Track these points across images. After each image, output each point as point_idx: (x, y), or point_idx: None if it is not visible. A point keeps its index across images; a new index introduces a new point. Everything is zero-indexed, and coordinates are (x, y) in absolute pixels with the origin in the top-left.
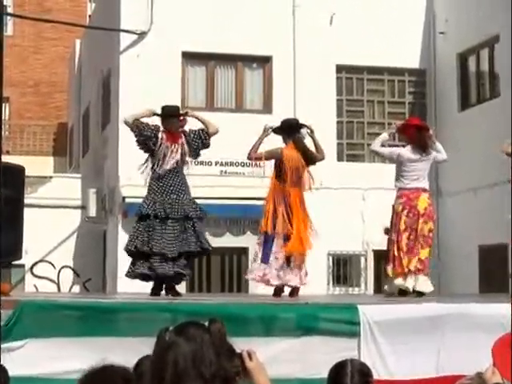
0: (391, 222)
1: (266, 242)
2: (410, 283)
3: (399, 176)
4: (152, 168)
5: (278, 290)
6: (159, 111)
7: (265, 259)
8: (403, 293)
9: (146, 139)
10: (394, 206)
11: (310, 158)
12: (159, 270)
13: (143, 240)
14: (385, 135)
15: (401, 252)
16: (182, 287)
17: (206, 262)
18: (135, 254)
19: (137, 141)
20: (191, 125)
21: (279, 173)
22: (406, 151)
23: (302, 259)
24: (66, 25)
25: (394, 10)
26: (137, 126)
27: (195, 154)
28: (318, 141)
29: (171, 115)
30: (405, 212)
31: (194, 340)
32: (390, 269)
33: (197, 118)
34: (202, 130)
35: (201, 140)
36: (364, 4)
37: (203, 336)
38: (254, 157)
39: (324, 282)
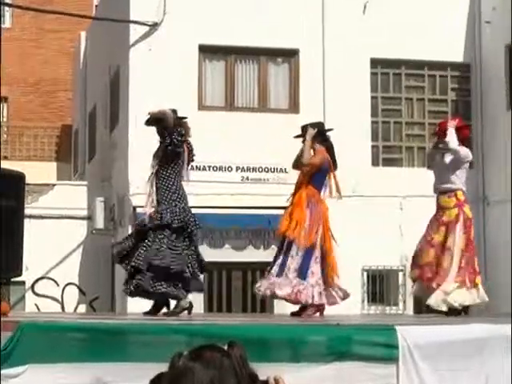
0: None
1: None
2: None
3: (458, 179)
4: (178, 173)
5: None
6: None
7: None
8: (452, 311)
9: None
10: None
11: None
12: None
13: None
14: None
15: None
16: (198, 307)
17: (226, 279)
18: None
19: (181, 141)
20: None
21: (317, 180)
22: None
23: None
24: (71, 16)
25: None
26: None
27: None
28: None
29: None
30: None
31: (213, 365)
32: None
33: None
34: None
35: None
36: None
37: (222, 361)
38: (311, 163)
39: (358, 301)
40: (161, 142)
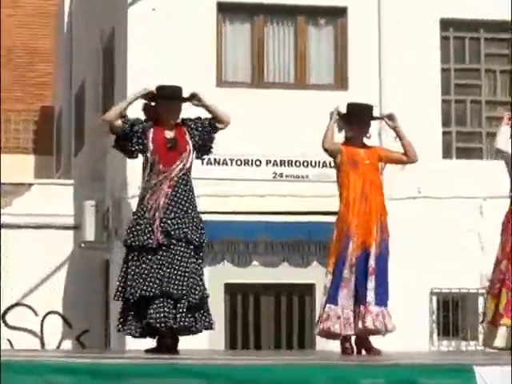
0: None
1: None
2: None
3: None
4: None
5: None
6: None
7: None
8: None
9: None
10: None
11: None
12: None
13: None
14: None
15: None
16: (220, 343)
17: (254, 306)
18: None
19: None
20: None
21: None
22: None
23: None
24: None
25: None
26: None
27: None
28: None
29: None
30: None
31: None
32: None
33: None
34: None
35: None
36: None
37: None
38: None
39: (426, 333)
40: None
